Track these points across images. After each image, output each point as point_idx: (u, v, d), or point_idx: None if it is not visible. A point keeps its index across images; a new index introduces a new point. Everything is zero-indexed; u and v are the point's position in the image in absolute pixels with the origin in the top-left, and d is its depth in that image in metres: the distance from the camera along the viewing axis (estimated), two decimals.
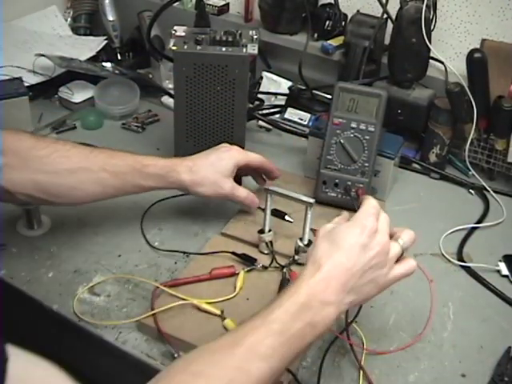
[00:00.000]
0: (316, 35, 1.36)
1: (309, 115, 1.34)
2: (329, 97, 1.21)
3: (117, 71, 1.40)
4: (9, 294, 0.89)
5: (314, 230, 0.98)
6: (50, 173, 0.87)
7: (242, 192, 0.98)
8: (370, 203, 0.73)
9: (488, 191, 1.16)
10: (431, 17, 1.18)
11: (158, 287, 0.86)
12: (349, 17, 1.33)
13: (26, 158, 0.85)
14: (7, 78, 1.25)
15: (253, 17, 1.48)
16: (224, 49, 1.02)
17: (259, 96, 1.37)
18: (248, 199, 0.99)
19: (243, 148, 1.09)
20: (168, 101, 1.37)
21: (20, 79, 1.24)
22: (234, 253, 0.93)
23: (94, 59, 1.44)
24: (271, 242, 0.95)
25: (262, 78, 1.41)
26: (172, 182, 0.95)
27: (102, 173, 0.90)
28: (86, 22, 1.61)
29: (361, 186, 1.04)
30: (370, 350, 0.82)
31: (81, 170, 0.89)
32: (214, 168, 0.96)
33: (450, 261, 0.99)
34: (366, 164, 1.05)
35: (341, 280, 0.66)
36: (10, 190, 0.84)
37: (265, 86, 1.41)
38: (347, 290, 0.66)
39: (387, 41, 1.25)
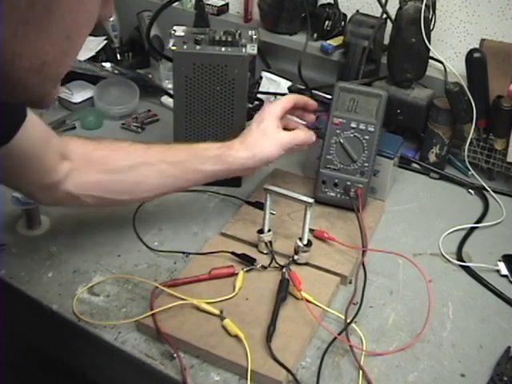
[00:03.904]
0: (315, 35, 1.36)
1: None
2: (328, 97, 1.20)
3: (116, 71, 1.40)
4: (9, 294, 0.89)
5: (313, 230, 0.99)
6: (112, 171, 0.88)
7: (300, 134, 1.00)
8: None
9: (487, 191, 1.16)
10: (430, 17, 1.17)
11: (157, 287, 0.86)
12: (348, 17, 1.33)
13: (89, 160, 0.87)
14: None
15: (252, 17, 1.48)
16: (223, 49, 1.02)
17: (259, 96, 1.37)
18: (308, 137, 1.01)
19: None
20: (167, 101, 1.37)
21: None
22: (233, 253, 0.93)
23: (94, 59, 1.44)
24: (270, 241, 0.95)
25: (261, 77, 1.41)
26: (231, 163, 0.94)
27: (161, 164, 0.91)
28: None
29: (360, 185, 1.04)
30: (369, 351, 0.82)
31: (141, 164, 0.90)
32: (261, 131, 0.96)
33: (449, 261, 0.99)
34: (366, 164, 1.05)
35: None
36: (74, 193, 0.86)
37: (264, 86, 1.41)
38: None
39: (387, 41, 1.25)
